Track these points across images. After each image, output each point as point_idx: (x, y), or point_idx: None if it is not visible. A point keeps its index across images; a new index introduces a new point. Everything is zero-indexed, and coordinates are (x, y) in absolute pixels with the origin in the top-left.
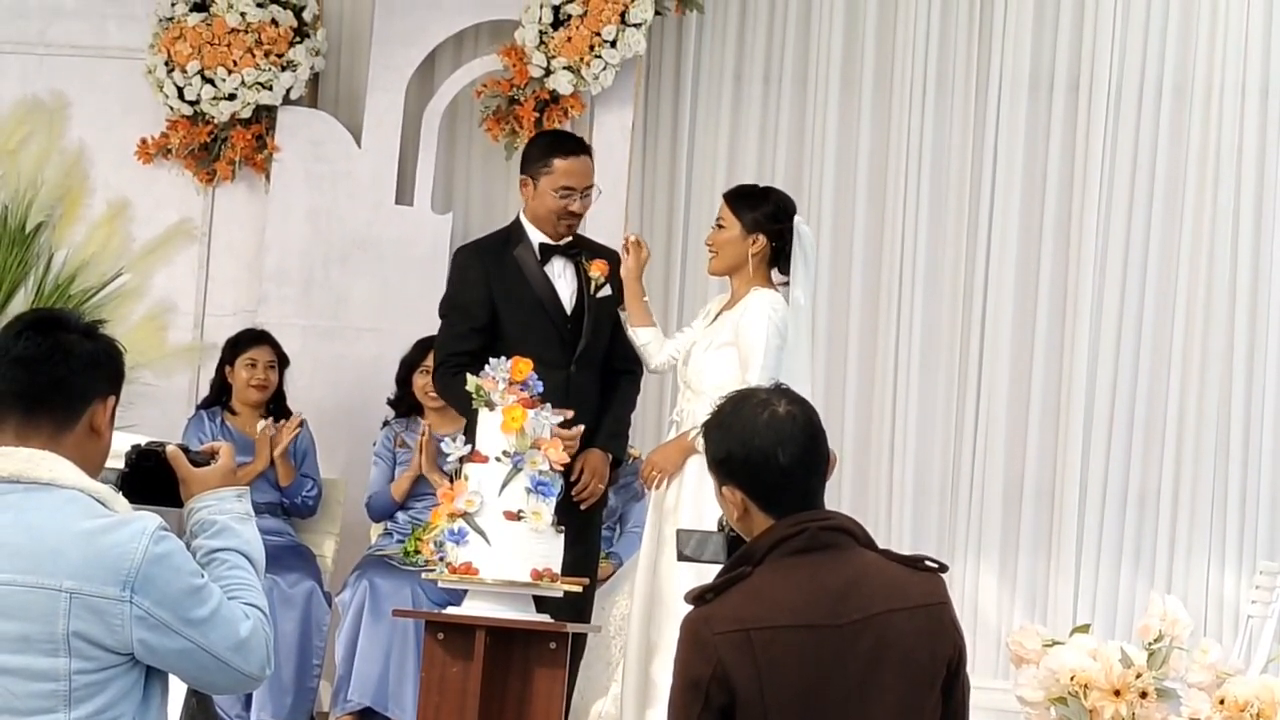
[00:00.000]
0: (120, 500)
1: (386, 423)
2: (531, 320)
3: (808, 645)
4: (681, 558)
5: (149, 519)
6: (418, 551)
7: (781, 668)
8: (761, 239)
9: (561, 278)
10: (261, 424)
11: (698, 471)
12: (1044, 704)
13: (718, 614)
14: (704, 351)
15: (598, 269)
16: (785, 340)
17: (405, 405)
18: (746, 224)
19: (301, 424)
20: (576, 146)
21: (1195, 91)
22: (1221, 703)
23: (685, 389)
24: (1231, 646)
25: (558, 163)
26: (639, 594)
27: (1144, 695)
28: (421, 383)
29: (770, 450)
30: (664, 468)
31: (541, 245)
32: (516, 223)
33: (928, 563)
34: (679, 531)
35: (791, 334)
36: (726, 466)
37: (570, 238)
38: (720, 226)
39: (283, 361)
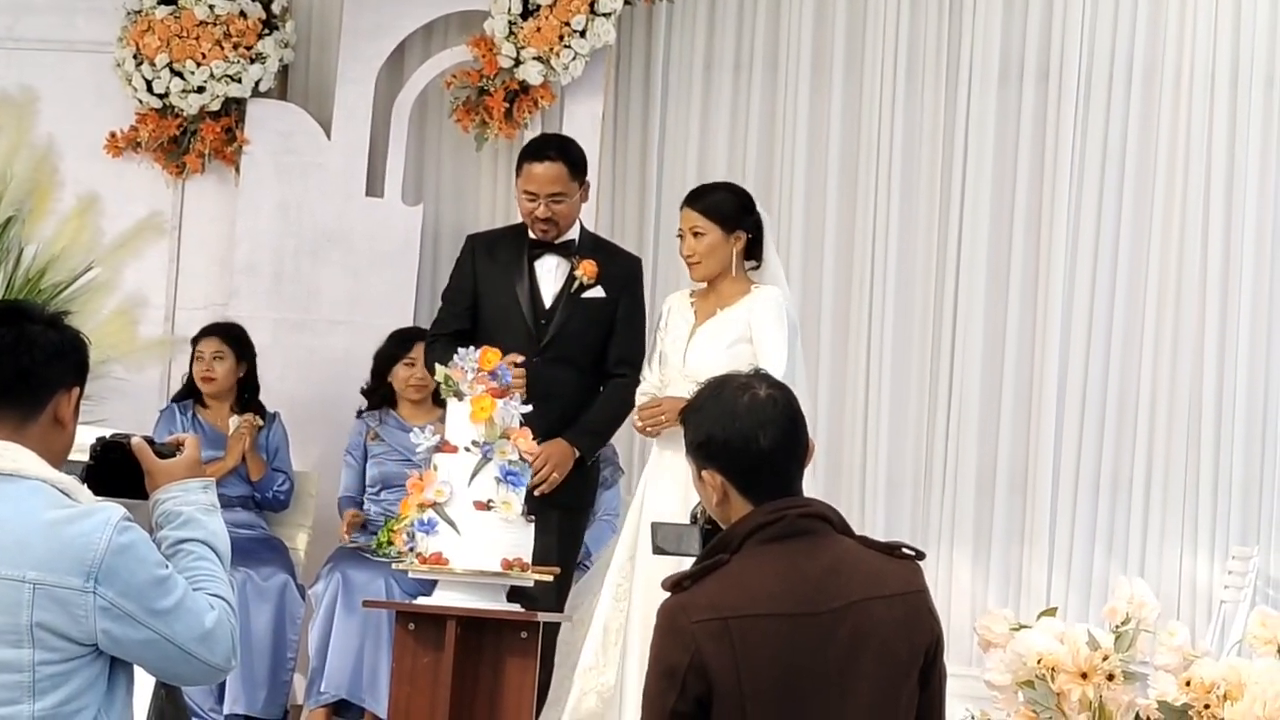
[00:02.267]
0: (84, 491)
1: (360, 414)
2: (505, 310)
3: (786, 633)
4: (656, 550)
5: (113, 510)
6: (390, 543)
7: (759, 656)
8: (743, 235)
9: (551, 274)
10: (234, 420)
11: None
12: (1012, 688)
13: (695, 602)
14: (720, 349)
15: (584, 269)
16: (798, 333)
17: (378, 396)
18: (726, 225)
19: (266, 418)
20: (542, 152)
21: (1165, 79)
22: (1188, 684)
23: (688, 383)
24: (1205, 631)
25: (524, 167)
26: (639, 593)
27: (1111, 678)
28: (404, 374)
29: (751, 433)
30: (658, 420)
31: (532, 242)
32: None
33: (904, 550)
34: (653, 524)
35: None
36: (707, 449)
37: (550, 239)
38: (697, 234)
39: (242, 353)
